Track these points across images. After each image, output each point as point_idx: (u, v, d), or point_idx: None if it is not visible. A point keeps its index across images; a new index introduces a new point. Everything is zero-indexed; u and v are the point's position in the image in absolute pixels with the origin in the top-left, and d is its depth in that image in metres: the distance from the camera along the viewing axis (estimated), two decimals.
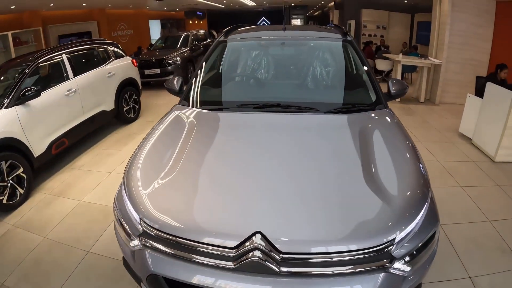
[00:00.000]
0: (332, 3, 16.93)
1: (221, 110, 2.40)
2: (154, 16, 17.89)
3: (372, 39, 12.57)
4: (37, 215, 3.23)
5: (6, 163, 3.29)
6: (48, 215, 3.21)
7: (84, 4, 10.87)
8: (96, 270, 2.47)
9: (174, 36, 10.65)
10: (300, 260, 1.36)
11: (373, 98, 2.38)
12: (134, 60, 6.18)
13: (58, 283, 2.35)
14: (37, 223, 3.09)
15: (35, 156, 3.68)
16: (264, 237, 1.35)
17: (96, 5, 11.80)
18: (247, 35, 3.14)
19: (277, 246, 1.34)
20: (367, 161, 1.72)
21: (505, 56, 5.91)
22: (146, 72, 8.55)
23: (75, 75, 4.52)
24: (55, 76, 4.38)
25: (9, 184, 3.31)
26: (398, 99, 6.82)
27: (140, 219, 1.54)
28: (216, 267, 1.39)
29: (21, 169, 3.45)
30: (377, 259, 1.35)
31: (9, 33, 8.85)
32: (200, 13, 21.20)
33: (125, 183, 1.75)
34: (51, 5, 9.44)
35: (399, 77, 7.46)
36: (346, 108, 2.35)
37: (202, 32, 11.43)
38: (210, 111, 2.35)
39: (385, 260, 1.35)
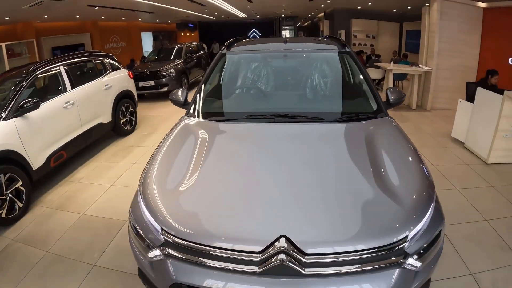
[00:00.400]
0: (322, 14, 17.25)
1: (229, 120, 2.48)
2: (146, 28, 18.03)
3: (362, 48, 12.86)
4: (37, 229, 3.18)
5: (4, 176, 3.24)
6: (49, 228, 3.17)
7: (77, 16, 10.95)
8: (104, 283, 2.43)
9: (167, 48, 10.74)
10: (324, 260, 1.41)
11: (374, 107, 2.48)
12: (131, 72, 6.20)
13: None
14: (38, 237, 3.04)
15: (34, 169, 3.64)
16: (288, 240, 1.40)
17: (89, 17, 11.86)
18: (250, 47, 3.22)
19: (301, 248, 1.39)
20: (377, 165, 1.80)
21: (493, 62, 6.12)
22: (141, 84, 8.53)
23: (72, 87, 4.51)
24: (53, 88, 4.37)
25: (8, 198, 3.26)
26: None
27: (162, 229, 1.56)
28: (241, 272, 1.43)
29: (20, 182, 3.40)
30: (394, 255, 1.43)
31: (3, 45, 8.84)
32: (192, 25, 21.43)
33: (142, 194, 1.76)
34: (45, 17, 9.48)
35: (390, 85, 7.64)
36: (350, 117, 2.43)
37: (194, 44, 11.60)
38: (219, 122, 2.43)
39: (400, 256, 1.43)
